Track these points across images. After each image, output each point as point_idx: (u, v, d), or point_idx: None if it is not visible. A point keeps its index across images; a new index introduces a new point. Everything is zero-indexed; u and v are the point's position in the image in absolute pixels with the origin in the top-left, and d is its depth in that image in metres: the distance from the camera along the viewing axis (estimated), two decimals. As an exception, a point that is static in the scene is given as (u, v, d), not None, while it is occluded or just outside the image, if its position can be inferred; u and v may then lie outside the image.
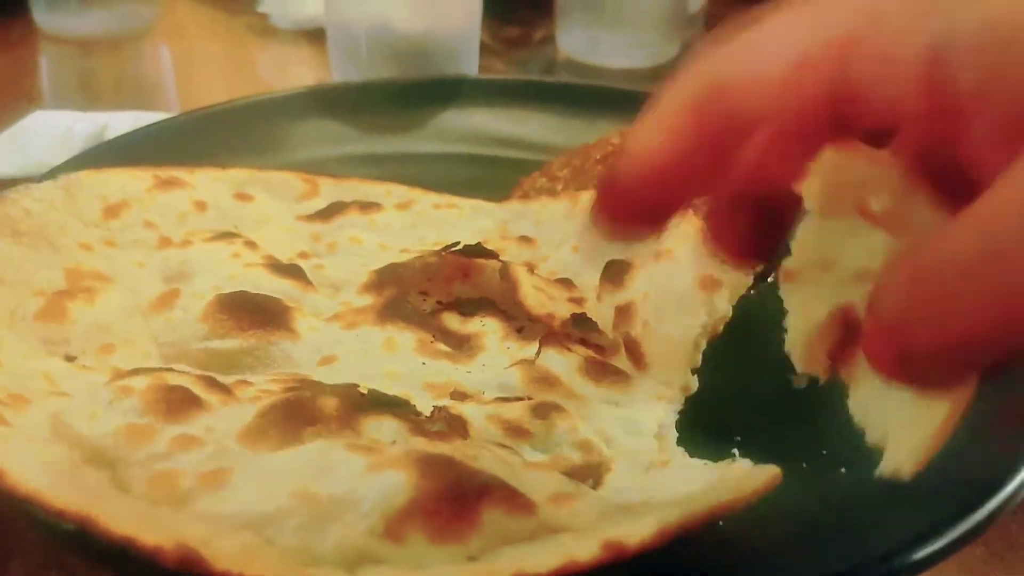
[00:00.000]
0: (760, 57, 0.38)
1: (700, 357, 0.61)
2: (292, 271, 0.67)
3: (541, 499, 0.45)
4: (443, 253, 0.69)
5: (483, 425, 0.54)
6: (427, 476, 0.43)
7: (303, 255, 0.71)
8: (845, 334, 0.41)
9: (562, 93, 1.01)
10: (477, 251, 0.69)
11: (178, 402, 0.48)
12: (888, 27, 0.35)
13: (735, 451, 0.56)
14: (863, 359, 0.36)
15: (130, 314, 0.62)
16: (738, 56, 0.39)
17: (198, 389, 0.50)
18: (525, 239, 0.75)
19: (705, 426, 0.59)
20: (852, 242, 0.39)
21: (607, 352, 0.64)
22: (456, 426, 0.52)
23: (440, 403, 0.56)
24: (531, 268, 0.71)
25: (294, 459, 0.45)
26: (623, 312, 0.65)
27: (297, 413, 0.49)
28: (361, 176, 0.81)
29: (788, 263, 0.42)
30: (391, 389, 0.57)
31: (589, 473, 0.52)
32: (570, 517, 0.45)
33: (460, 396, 0.58)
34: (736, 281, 0.62)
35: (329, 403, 0.50)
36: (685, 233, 0.65)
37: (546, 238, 0.75)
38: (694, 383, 0.61)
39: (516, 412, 0.55)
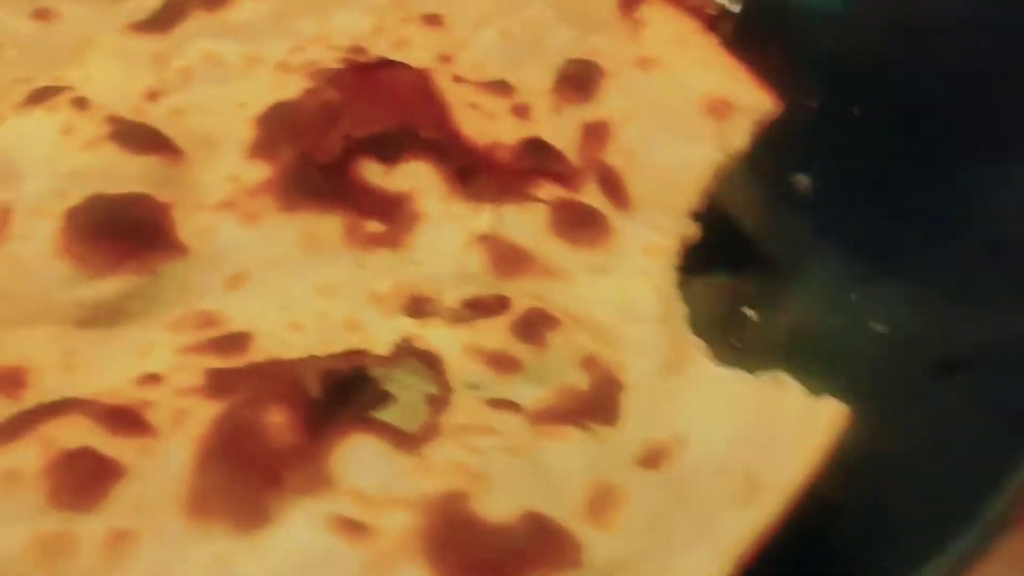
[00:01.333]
0: None
1: (703, 199, 0.50)
2: (149, 137, 0.51)
3: (578, 523, 0.37)
4: (340, 70, 0.53)
5: (461, 363, 0.44)
6: (445, 560, 0.34)
7: (151, 95, 0.54)
8: None
9: None
10: (382, 64, 0.54)
11: (87, 478, 0.36)
12: None
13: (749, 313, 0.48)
14: None
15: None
16: None
17: (103, 442, 0.38)
18: (431, 18, 0.58)
19: (709, 290, 0.50)
20: None
21: (572, 183, 0.52)
22: (437, 401, 0.42)
23: (399, 331, 0.45)
24: (447, 63, 0.56)
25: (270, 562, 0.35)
26: (594, 132, 0.52)
27: (243, 457, 0.37)
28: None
29: None
30: (329, 312, 0.46)
31: (602, 403, 0.44)
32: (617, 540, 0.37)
33: (417, 307, 0.47)
34: (754, 105, 0.50)
35: (276, 420, 0.38)
36: (678, 37, 0.51)
37: (458, 13, 0.58)
38: (694, 230, 0.51)
39: (498, 336, 0.45)
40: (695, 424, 0.43)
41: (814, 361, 0.47)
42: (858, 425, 0.40)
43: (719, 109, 0.50)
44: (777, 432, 0.41)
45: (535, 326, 0.45)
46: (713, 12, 0.63)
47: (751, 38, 0.61)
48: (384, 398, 0.41)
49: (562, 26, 0.56)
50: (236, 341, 0.44)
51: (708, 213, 0.51)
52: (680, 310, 0.48)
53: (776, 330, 0.51)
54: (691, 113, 0.51)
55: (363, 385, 0.42)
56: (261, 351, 0.44)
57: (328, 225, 0.48)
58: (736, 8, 0.63)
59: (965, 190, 0.52)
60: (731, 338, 0.50)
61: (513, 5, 0.57)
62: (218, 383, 0.41)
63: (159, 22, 0.56)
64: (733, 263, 0.53)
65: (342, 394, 0.41)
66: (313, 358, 0.42)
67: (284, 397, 0.40)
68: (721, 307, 0.51)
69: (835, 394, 0.41)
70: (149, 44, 0.56)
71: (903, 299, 0.49)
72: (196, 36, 0.56)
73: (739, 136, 0.50)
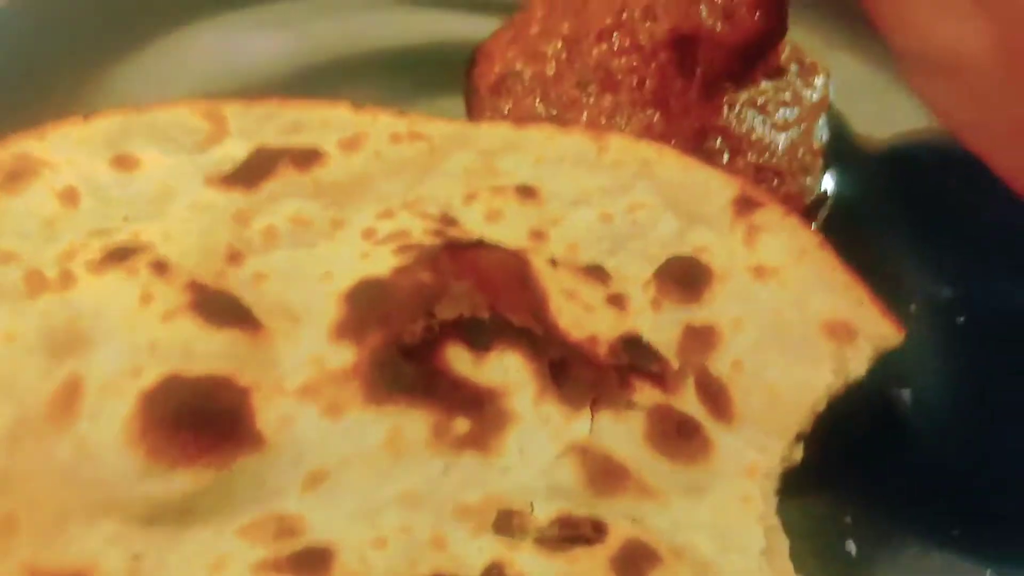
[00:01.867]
0: None
1: (812, 422, 0.48)
2: (231, 308, 0.48)
3: None
4: (434, 248, 0.51)
5: (556, 600, 0.41)
6: None
7: (233, 256, 0.51)
8: None
9: None
10: (478, 244, 0.51)
11: None
12: None
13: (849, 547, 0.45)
14: None
15: (11, 443, 0.43)
16: None
17: None
18: (526, 190, 0.56)
19: (807, 518, 0.47)
20: None
21: (669, 386, 0.49)
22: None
23: (488, 552, 0.42)
24: (540, 240, 0.54)
25: None
26: (698, 336, 0.50)
27: None
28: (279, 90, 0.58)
29: None
30: (414, 526, 0.43)
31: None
32: None
33: (506, 522, 0.44)
34: (877, 332, 0.47)
35: None
36: (800, 249, 0.49)
37: (553, 187, 0.56)
38: (798, 453, 0.48)
39: (596, 572, 0.41)
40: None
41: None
42: None
43: (840, 333, 0.48)
44: None
45: (636, 563, 0.42)
46: (808, 201, 0.61)
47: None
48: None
49: (667, 216, 0.54)
50: (316, 557, 0.41)
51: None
52: (782, 543, 0.45)
53: (881, 568, 0.47)
54: (809, 332, 0.48)
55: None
56: (343, 570, 0.41)
57: (415, 423, 0.45)
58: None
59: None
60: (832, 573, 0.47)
61: (616, 185, 0.55)
62: (298, 611, 0.38)
63: (245, 176, 0.54)
64: (832, 487, 0.50)
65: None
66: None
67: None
68: (820, 538, 0.48)
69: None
70: (234, 200, 0.53)
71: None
72: (284, 195, 0.54)
73: (858, 363, 0.48)
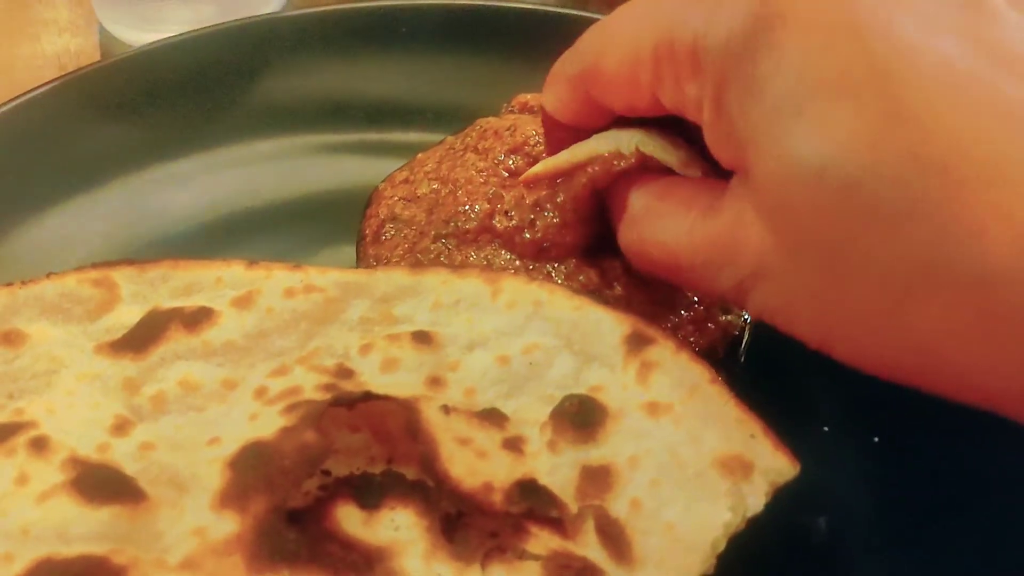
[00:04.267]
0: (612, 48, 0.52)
1: (715, 562, 0.46)
2: (111, 483, 0.47)
3: None
4: (319, 405, 0.50)
5: None
6: None
7: (120, 427, 0.50)
8: None
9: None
10: (365, 397, 0.50)
11: None
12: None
13: None
14: None
15: None
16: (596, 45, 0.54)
17: None
18: (422, 336, 0.55)
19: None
20: None
21: (568, 531, 0.48)
22: None
23: None
24: (437, 386, 0.53)
25: None
26: (596, 477, 0.49)
27: None
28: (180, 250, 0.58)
29: None
30: None
31: None
32: None
33: None
34: (773, 467, 0.46)
35: None
36: (692, 384, 0.49)
37: (449, 331, 0.56)
38: (705, 597, 0.46)
39: None
40: None
41: None
42: None
43: (734, 468, 0.47)
44: None
45: None
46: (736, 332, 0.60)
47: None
48: None
49: (563, 355, 0.53)
50: None
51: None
52: None
53: None
54: (704, 469, 0.47)
55: None
56: None
57: (300, 596, 0.44)
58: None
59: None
60: None
61: (511, 327, 0.55)
62: None
63: (135, 342, 0.53)
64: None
65: None
66: None
67: None
68: None
69: None
70: (123, 367, 0.53)
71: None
72: (173, 359, 0.53)
73: (755, 498, 0.46)
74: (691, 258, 0.49)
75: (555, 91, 0.57)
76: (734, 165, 0.47)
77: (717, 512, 0.46)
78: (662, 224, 0.52)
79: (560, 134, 0.58)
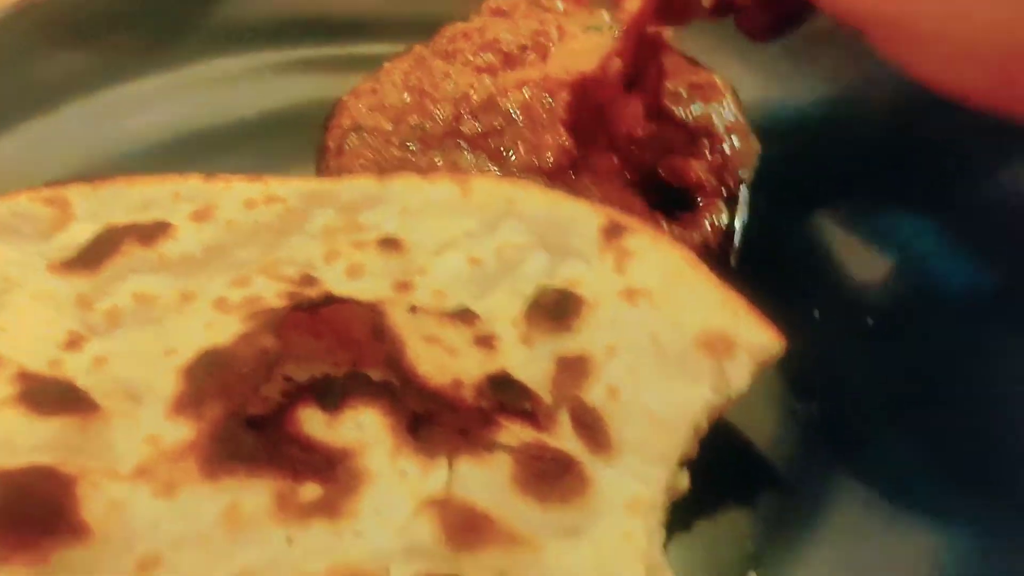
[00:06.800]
0: None
1: (698, 446, 0.44)
2: (61, 395, 0.45)
3: None
4: (280, 311, 0.48)
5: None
6: None
7: (73, 343, 0.48)
8: None
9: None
10: (327, 301, 0.48)
11: None
12: None
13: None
14: None
15: None
16: None
17: None
18: (389, 242, 0.53)
19: (709, 543, 0.43)
20: None
21: (542, 424, 0.45)
22: None
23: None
24: (405, 291, 0.51)
25: None
26: (571, 367, 0.46)
27: None
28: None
29: None
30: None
31: None
32: None
33: (359, 594, 0.39)
34: (757, 343, 0.44)
35: None
36: (673, 268, 0.46)
37: (417, 236, 0.53)
38: (684, 480, 0.44)
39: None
40: None
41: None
42: None
43: (717, 347, 0.44)
44: None
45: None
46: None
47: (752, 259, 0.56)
48: None
49: (537, 252, 0.51)
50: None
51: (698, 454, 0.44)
52: (669, 581, 0.40)
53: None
54: (685, 350, 0.45)
55: None
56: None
57: (256, 495, 0.42)
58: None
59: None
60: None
61: (483, 227, 0.52)
62: None
63: (87, 259, 0.51)
64: (729, 512, 0.46)
65: None
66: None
67: None
68: (719, 570, 0.44)
69: None
70: (76, 284, 0.51)
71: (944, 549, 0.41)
72: (128, 273, 0.51)
73: (740, 376, 0.44)
74: None
75: None
76: None
77: (698, 393, 0.44)
78: None
79: None
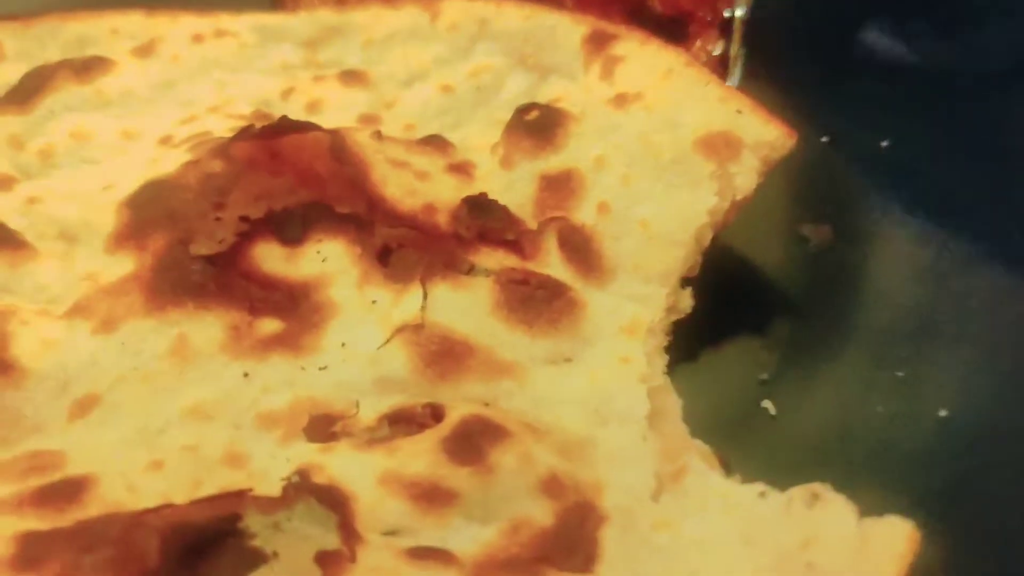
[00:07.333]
0: None
1: (700, 260, 0.39)
2: (-11, 233, 0.40)
3: None
4: (232, 143, 0.43)
5: (376, 501, 0.32)
6: None
7: (2, 184, 0.44)
8: None
9: None
10: (284, 126, 0.43)
11: None
12: None
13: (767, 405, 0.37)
14: None
15: None
16: None
17: None
18: (352, 75, 0.48)
19: (712, 377, 0.39)
20: None
21: (525, 250, 0.41)
22: (335, 559, 0.30)
23: (295, 461, 0.33)
24: (372, 124, 0.46)
25: None
26: (557, 186, 0.42)
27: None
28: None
29: None
30: (202, 442, 0.34)
31: (574, 541, 0.32)
32: None
33: (323, 429, 0.35)
34: (764, 139, 0.39)
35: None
36: (666, 69, 0.42)
37: (384, 68, 0.48)
38: (686, 300, 0.39)
39: (425, 459, 0.33)
40: (702, 564, 0.31)
41: (858, 463, 0.35)
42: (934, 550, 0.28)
43: (720, 147, 0.40)
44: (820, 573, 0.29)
45: (473, 441, 0.33)
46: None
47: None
48: (256, 559, 0.30)
49: (516, 73, 0.46)
50: (69, 489, 0.33)
51: (704, 274, 0.40)
52: (673, 404, 0.36)
53: (803, 424, 0.39)
54: (684, 153, 0.40)
55: (227, 543, 0.30)
56: (99, 501, 0.32)
57: (206, 328, 0.37)
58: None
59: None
60: (745, 438, 0.38)
61: (455, 52, 0.47)
62: (30, 552, 0.30)
63: (18, 97, 0.47)
64: (740, 339, 0.41)
65: (194, 559, 0.29)
66: (165, 508, 0.31)
67: (109, 568, 0.28)
68: (729, 399, 0.39)
69: (895, 509, 0.29)
70: (5, 124, 0.46)
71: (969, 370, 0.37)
72: (63, 111, 0.46)
73: (746, 177, 0.39)
74: None
75: None
76: None
77: (700, 198, 0.40)
78: None
79: None
